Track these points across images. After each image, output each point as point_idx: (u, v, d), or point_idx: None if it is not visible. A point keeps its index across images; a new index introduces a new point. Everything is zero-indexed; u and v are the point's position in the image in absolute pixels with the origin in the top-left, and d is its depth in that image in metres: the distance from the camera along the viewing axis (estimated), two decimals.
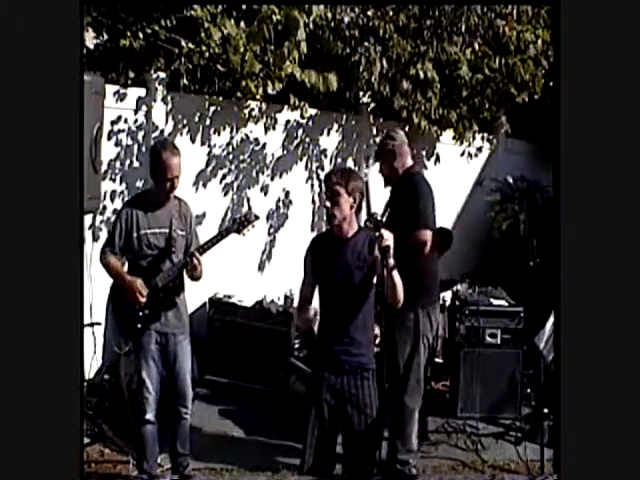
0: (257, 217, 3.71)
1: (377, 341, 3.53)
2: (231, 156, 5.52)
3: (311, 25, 5.19)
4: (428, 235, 3.84)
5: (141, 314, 3.61)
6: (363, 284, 3.21)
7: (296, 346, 5.18)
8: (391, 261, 3.03)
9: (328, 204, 3.20)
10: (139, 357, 3.67)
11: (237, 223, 3.69)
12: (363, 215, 3.92)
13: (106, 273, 3.67)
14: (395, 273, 3.10)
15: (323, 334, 3.33)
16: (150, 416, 3.66)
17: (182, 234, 3.68)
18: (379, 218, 3.32)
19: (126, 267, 3.74)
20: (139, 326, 3.62)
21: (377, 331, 3.53)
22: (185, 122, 5.27)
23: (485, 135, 6.78)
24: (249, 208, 3.66)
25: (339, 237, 3.25)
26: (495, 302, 5.22)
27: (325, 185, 3.28)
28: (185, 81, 5.16)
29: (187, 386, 3.72)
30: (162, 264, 3.63)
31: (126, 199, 5.03)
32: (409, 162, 4.09)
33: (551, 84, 6.24)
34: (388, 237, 3.05)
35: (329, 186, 3.22)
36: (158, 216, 3.63)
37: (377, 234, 3.08)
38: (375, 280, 3.23)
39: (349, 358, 3.21)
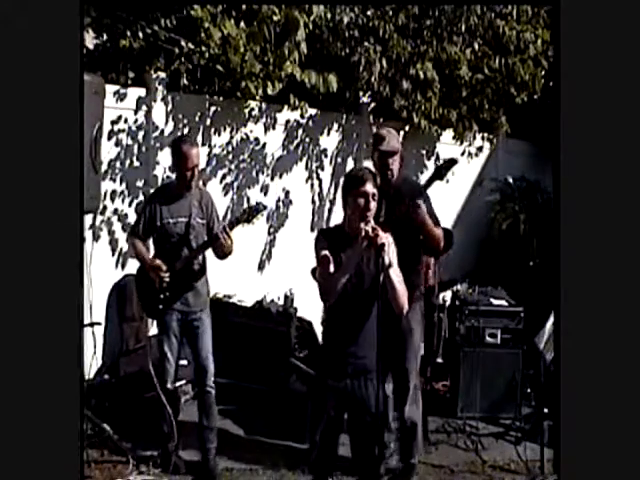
0: (265, 207, 3.94)
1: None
2: (231, 156, 5.51)
3: (311, 25, 5.19)
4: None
5: (162, 296, 3.92)
6: (372, 285, 3.01)
7: (296, 346, 5.18)
8: (387, 259, 2.84)
9: (372, 202, 2.98)
10: (161, 333, 4.01)
11: (247, 213, 3.91)
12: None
13: (133, 255, 4.03)
14: (392, 273, 2.91)
15: (329, 336, 3.24)
16: (170, 385, 4.00)
17: (202, 222, 3.95)
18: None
19: (152, 252, 4.04)
20: (160, 307, 3.94)
21: None
22: (185, 122, 5.26)
23: (485, 135, 6.78)
24: (257, 203, 3.94)
25: (350, 234, 3.01)
26: (495, 302, 5.21)
27: (362, 183, 3.02)
28: (185, 81, 5.15)
29: (208, 360, 3.98)
30: (182, 250, 3.92)
31: (126, 199, 5.05)
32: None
33: (551, 84, 6.24)
34: (384, 235, 2.85)
35: (368, 185, 3.00)
36: (179, 206, 3.92)
37: (372, 233, 2.85)
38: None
39: (355, 361, 3.07)
